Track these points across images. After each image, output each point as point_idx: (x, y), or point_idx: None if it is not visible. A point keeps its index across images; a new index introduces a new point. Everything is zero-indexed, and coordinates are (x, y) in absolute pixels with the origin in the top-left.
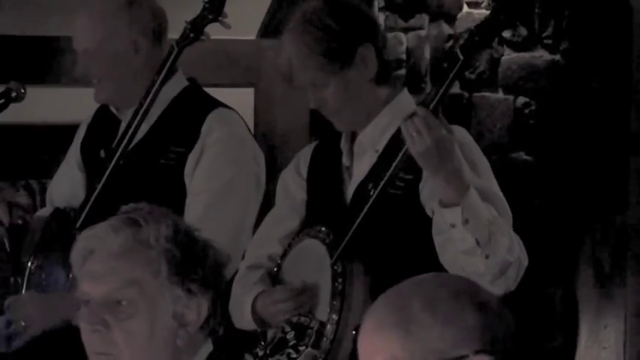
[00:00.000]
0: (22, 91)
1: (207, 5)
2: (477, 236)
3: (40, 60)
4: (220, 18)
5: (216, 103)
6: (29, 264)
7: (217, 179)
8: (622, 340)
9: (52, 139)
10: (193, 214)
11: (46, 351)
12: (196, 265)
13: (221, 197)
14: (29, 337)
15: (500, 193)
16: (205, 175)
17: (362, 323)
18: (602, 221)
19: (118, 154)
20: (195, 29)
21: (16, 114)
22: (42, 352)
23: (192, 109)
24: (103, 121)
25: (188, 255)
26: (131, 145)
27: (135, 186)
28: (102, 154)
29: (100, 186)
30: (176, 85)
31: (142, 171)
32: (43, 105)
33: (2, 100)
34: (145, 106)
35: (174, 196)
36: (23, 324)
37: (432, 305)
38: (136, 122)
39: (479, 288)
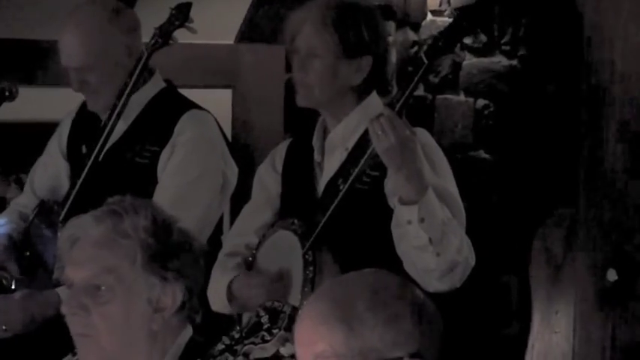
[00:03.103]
0: (15, 90)
1: (174, 12)
2: (430, 235)
3: (32, 62)
4: (187, 24)
5: (190, 105)
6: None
7: (184, 177)
8: (572, 324)
9: (41, 136)
10: None
11: (36, 338)
12: (172, 254)
13: (186, 194)
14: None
15: (457, 194)
16: (173, 172)
17: (304, 309)
18: (554, 214)
19: (95, 151)
20: (163, 35)
21: (8, 112)
22: (32, 340)
23: (168, 109)
24: (86, 117)
25: (164, 245)
26: (110, 144)
27: (113, 182)
28: (83, 149)
29: (80, 181)
30: (153, 87)
31: (120, 168)
32: (34, 104)
33: None
34: (119, 107)
35: (149, 193)
36: (4, 328)
37: (375, 306)
38: (111, 122)
39: (416, 291)
